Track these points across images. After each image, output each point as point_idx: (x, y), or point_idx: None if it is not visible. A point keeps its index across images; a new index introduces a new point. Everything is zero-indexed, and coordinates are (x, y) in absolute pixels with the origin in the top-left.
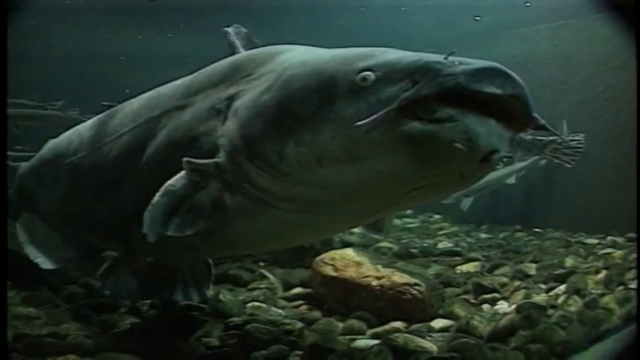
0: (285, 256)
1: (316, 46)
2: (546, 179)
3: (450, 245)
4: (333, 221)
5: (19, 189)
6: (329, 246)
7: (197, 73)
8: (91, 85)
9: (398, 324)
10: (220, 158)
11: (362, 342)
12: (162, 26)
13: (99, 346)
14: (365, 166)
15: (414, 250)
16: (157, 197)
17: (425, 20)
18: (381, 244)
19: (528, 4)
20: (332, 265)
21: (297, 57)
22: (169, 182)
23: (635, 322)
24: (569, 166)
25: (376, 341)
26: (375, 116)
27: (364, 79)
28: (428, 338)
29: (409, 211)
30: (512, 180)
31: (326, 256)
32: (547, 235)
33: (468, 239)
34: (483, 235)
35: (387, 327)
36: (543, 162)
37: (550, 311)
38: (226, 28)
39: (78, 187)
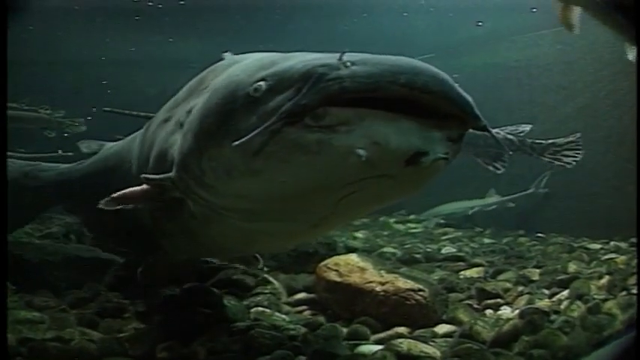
0: (289, 261)
1: (312, 51)
2: (549, 184)
3: (454, 250)
4: (287, 228)
5: (62, 191)
6: (333, 251)
7: (186, 85)
8: (94, 88)
9: (401, 329)
10: (172, 173)
11: (366, 347)
12: (165, 30)
13: (103, 350)
14: (267, 178)
15: (417, 256)
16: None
17: (427, 25)
18: (385, 250)
19: (535, 10)
20: (336, 270)
21: (232, 68)
22: (132, 189)
23: (635, 328)
24: (569, 167)
25: (380, 347)
26: (252, 134)
27: (256, 89)
28: (431, 343)
29: (412, 216)
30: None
31: (330, 261)
32: (550, 240)
33: (472, 244)
34: (487, 241)
35: (390, 332)
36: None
37: (553, 316)
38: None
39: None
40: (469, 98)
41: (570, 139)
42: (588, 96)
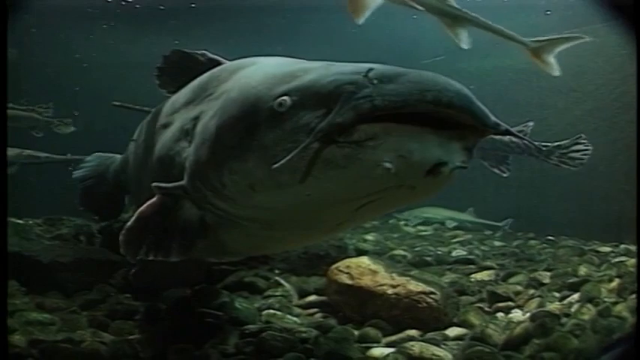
0: (300, 263)
1: (322, 55)
2: (558, 187)
3: (464, 253)
4: (302, 234)
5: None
6: (344, 254)
7: (181, 90)
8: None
9: (413, 332)
10: (184, 181)
11: (377, 350)
12: (171, 33)
13: (114, 352)
14: (292, 192)
15: (428, 259)
16: (130, 222)
17: (436, 28)
18: (395, 252)
19: (549, 12)
20: (347, 273)
21: (244, 78)
22: (141, 209)
23: (636, 324)
24: (575, 169)
25: (392, 349)
26: (289, 156)
27: (280, 104)
28: (443, 346)
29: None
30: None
31: (341, 264)
32: (560, 243)
33: (482, 247)
34: (497, 243)
35: (402, 335)
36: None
37: (564, 320)
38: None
39: None
40: (486, 110)
41: (574, 140)
42: (598, 99)
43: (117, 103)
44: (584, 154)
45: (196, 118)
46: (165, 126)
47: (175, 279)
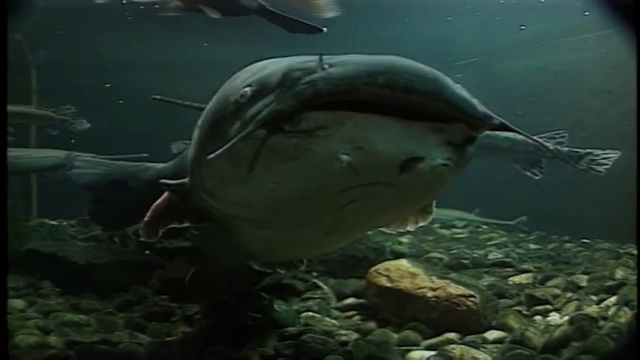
0: (338, 266)
1: None
2: (592, 189)
3: (501, 256)
4: (299, 235)
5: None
6: (381, 256)
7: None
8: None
9: (452, 335)
10: (186, 178)
11: (417, 353)
12: (201, 35)
13: (152, 354)
14: (256, 185)
15: (464, 261)
16: (147, 215)
17: (470, 30)
18: (432, 255)
19: (587, 13)
20: (387, 276)
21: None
22: (157, 202)
23: (635, 323)
24: (602, 173)
25: (432, 352)
26: (225, 146)
27: (242, 95)
28: (482, 349)
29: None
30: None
31: (381, 266)
32: (596, 246)
33: (518, 250)
34: (532, 246)
35: (441, 338)
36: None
37: (601, 323)
38: None
39: None
40: (469, 97)
41: (608, 152)
42: (634, 100)
43: (157, 97)
44: (610, 162)
45: None
46: (197, 127)
47: (228, 283)
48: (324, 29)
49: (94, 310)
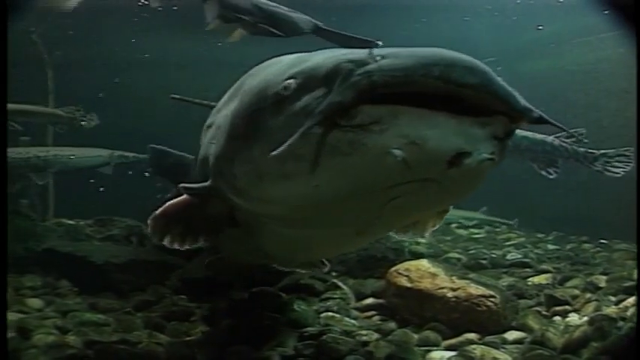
0: (357, 266)
1: None
2: (609, 190)
3: (519, 256)
4: (330, 234)
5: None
6: (401, 256)
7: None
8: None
9: (472, 335)
10: (209, 180)
11: (438, 354)
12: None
13: (171, 354)
14: (300, 183)
15: (483, 262)
16: (156, 213)
17: (487, 30)
18: (450, 255)
19: (607, 12)
20: (407, 276)
21: (262, 70)
22: (168, 204)
23: (636, 323)
24: (618, 175)
25: (453, 353)
26: (287, 143)
27: (285, 87)
28: (502, 350)
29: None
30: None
31: (400, 267)
32: (614, 246)
33: (536, 250)
34: (550, 247)
35: (461, 338)
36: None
37: (620, 323)
38: None
39: None
40: (514, 92)
41: (622, 151)
42: None
43: (176, 96)
44: (627, 164)
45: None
46: (209, 127)
47: (245, 270)
48: (380, 42)
49: (112, 309)
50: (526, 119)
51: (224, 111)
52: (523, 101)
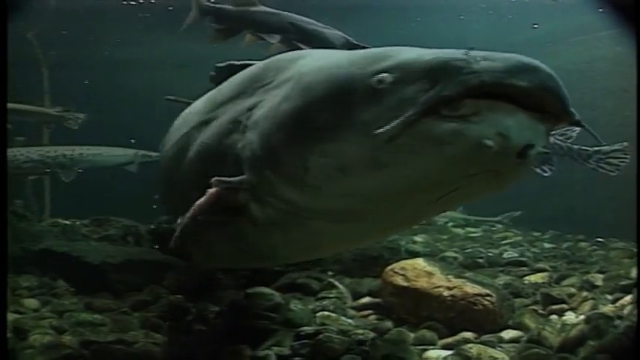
0: (353, 265)
1: None
2: (606, 188)
3: (516, 255)
4: (368, 229)
5: None
6: (397, 255)
7: (221, 85)
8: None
9: (468, 334)
10: (246, 173)
11: (434, 353)
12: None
13: (168, 354)
14: (391, 172)
15: (479, 260)
16: (185, 219)
17: (483, 28)
18: (447, 254)
19: (602, 11)
20: (403, 275)
21: (314, 62)
22: (197, 203)
23: (636, 327)
24: (612, 174)
25: (449, 352)
26: (396, 121)
27: (380, 81)
28: (499, 349)
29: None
30: None
31: (396, 266)
32: (610, 245)
33: (533, 249)
34: (547, 245)
35: (457, 337)
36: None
37: (617, 322)
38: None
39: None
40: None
41: (616, 147)
42: None
43: (170, 98)
44: (622, 161)
45: (251, 108)
46: (206, 123)
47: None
48: None
49: (108, 309)
50: (569, 120)
51: (235, 106)
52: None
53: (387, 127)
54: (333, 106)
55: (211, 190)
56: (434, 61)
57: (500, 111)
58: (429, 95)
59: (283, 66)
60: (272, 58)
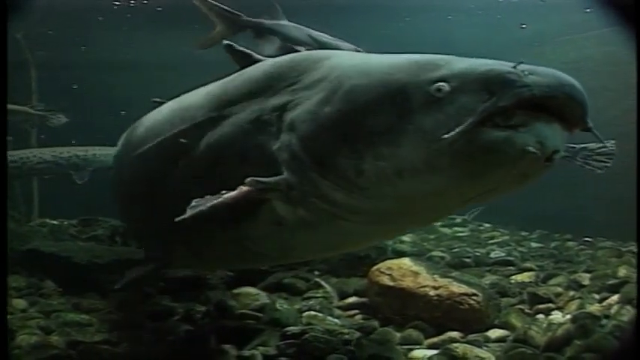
0: (339, 265)
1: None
2: (593, 188)
3: (503, 254)
4: (392, 229)
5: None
6: (383, 255)
7: (223, 82)
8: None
9: (454, 334)
10: (286, 174)
11: (420, 352)
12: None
13: (154, 354)
14: (443, 176)
15: (466, 260)
16: (213, 201)
17: (471, 28)
18: (434, 254)
19: (588, 11)
20: (389, 274)
21: (350, 65)
22: (228, 195)
23: (636, 324)
24: (600, 172)
25: (435, 351)
26: (459, 128)
27: (439, 89)
28: (485, 348)
29: (458, 220)
30: None
31: (382, 265)
32: (598, 244)
33: (520, 248)
34: (534, 245)
35: (443, 337)
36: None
37: (603, 321)
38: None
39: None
40: None
41: (602, 145)
42: (634, 98)
43: (157, 100)
44: (609, 158)
45: (279, 109)
46: (216, 120)
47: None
48: None
49: (95, 309)
50: (584, 127)
51: (260, 104)
52: None
53: (452, 133)
54: (388, 111)
55: (244, 188)
56: (491, 73)
57: (542, 120)
58: (487, 105)
59: (309, 66)
60: (289, 57)
